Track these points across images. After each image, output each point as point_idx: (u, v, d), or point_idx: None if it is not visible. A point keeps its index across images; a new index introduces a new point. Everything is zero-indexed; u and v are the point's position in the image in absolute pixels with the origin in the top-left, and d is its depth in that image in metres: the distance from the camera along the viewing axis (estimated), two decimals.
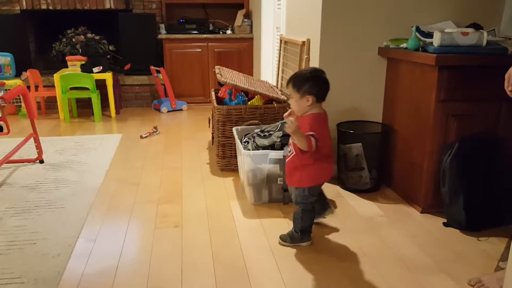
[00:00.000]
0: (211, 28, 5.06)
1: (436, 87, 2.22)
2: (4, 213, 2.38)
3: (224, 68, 3.36)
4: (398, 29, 2.69)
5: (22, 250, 2.02)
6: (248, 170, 2.42)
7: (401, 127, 2.60)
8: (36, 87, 4.58)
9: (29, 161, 3.17)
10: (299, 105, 1.89)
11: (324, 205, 2.24)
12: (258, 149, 2.49)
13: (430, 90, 2.26)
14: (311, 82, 1.86)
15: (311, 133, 1.83)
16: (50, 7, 4.93)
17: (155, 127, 4.01)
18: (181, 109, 4.86)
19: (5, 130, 2.84)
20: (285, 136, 2.43)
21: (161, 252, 2.01)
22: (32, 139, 3.11)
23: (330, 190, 2.71)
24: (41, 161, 3.16)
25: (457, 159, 2.17)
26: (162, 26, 4.94)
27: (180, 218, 2.34)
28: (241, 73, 3.52)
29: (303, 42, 2.90)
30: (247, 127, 2.81)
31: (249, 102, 3.02)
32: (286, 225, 2.27)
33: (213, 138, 3.48)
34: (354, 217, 2.37)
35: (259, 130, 2.64)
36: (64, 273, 1.85)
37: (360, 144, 2.57)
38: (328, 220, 2.32)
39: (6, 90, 2.87)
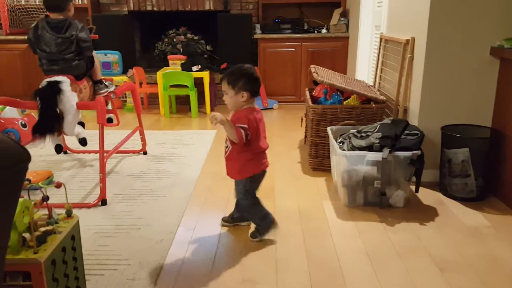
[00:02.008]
0: (305, 27, 5.04)
1: None
2: (113, 198, 2.58)
3: (319, 67, 3.33)
4: None
5: (128, 234, 2.17)
6: (343, 171, 2.37)
7: None
8: (140, 84, 4.92)
9: (134, 152, 3.41)
10: (234, 101, 2.00)
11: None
12: (354, 150, 2.43)
13: None
14: (245, 79, 1.97)
15: (242, 125, 1.92)
16: (155, 8, 5.26)
17: None
18: (272, 108, 4.91)
19: (115, 121, 3.08)
20: (384, 138, 2.34)
21: (255, 246, 2.05)
22: (137, 132, 3.34)
23: (431, 196, 2.57)
24: (145, 153, 3.39)
25: None
26: (258, 26, 5.03)
27: (273, 214, 2.36)
28: (336, 72, 3.46)
29: (407, 41, 2.77)
30: (342, 127, 2.75)
31: (344, 102, 2.96)
32: (382, 230, 2.19)
33: (305, 137, 3.46)
34: (458, 226, 2.22)
35: (355, 130, 2.57)
36: (166, 258, 1.96)
37: (467, 149, 2.39)
38: (429, 228, 2.20)
39: (115, 86, 3.11)
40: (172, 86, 4.64)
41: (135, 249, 2.04)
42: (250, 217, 2.16)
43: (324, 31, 4.95)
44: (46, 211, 1.54)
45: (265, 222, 2.11)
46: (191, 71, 4.58)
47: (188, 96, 4.70)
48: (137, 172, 3.01)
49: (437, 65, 2.58)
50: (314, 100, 3.09)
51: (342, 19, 4.88)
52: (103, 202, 2.50)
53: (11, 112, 3.54)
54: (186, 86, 4.56)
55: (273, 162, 3.19)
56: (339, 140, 2.59)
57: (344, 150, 2.46)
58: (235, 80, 1.98)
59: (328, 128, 2.72)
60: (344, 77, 3.32)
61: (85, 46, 2.63)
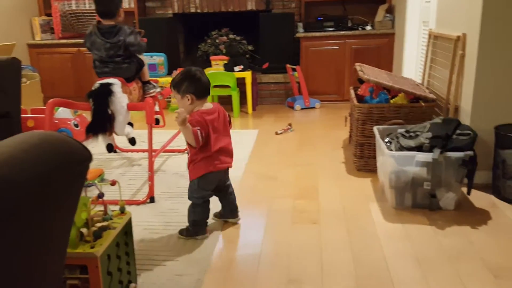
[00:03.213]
0: (349, 24, 4.97)
1: None
2: (160, 196, 2.65)
3: (365, 65, 3.27)
4: None
5: (176, 231, 2.22)
6: (391, 172, 2.32)
7: None
8: None
9: (178, 151, 3.48)
10: (182, 105, 2.04)
11: (233, 212, 2.30)
12: (402, 150, 2.37)
13: None
14: (187, 82, 1.99)
15: (197, 127, 1.95)
16: (198, 10, 5.34)
17: (290, 124, 4.09)
18: (314, 107, 4.87)
19: (161, 123, 3.16)
20: (435, 138, 2.27)
21: (300, 247, 2.04)
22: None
23: (483, 198, 2.47)
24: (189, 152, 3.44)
25: None
26: (300, 24, 5.00)
27: (317, 216, 2.35)
28: (382, 70, 3.39)
29: (458, 37, 2.67)
30: (389, 126, 2.69)
31: (391, 100, 2.90)
32: (432, 233, 2.12)
33: (350, 136, 3.42)
34: None
35: (403, 130, 2.51)
36: (213, 255, 2.00)
37: None
38: (481, 231, 2.12)
39: (162, 87, 3.18)
40: (215, 86, 4.69)
41: (182, 246, 2.08)
42: (188, 215, 2.17)
43: (368, 28, 4.86)
44: (99, 207, 1.60)
45: (197, 229, 2.14)
46: (233, 71, 4.63)
47: (229, 96, 4.75)
48: (182, 171, 3.07)
49: (491, 62, 2.47)
50: (360, 99, 3.04)
51: (388, 15, 4.77)
52: (151, 199, 2.57)
53: (64, 113, 3.70)
54: (228, 86, 4.61)
55: (316, 162, 3.18)
56: (386, 140, 2.54)
57: (391, 150, 2.41)
58: (178, 84, 2.02)
59: (375, 128, 2.67)
60: (390, 75, 3.24)
61: (133, 50, 2.71)
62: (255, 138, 3.81)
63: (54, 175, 0.88)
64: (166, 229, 2.25)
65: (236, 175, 2.95)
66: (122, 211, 1.65)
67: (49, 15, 5.42)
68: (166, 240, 2.14)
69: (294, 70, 4.79)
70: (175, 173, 3.04)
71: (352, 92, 3.20)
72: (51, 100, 2.63)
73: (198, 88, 2.02)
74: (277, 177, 2.91)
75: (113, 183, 1.64)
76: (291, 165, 3.14)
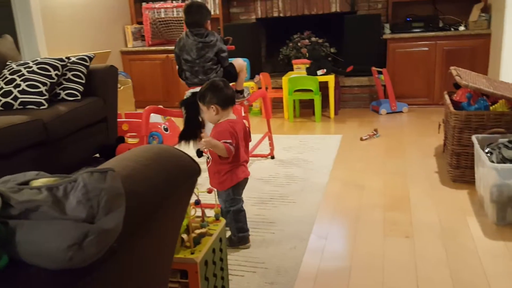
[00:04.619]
0: (440, 25, 4.70)
1: None
2: (246, 201, 2.67)
3: (461, 69, 3.07)
4: None
5: (264, 239, 2.24)
6: (493, 185, 2.15)
7: None
8: (266, 89, 5.06)
9: (262, 156, 3.52)
10: (208, 116, 2.08)
11: None
12: (504, 162, 2.20)
13: None
14: (210, 93, 2.02)
15: (226, 140, 1.97)
16: (281, 14, 5.37)
17: (376, 130, 3.96)
18: (401, 111, 4.67)
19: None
20: None
21: (394, 261, 1.96)
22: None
23: None
24: (272, 157, 3.47)
25: None
26: (387, 25, 4.83)
27: (410, 229, 2.24)
28: (480, 74, 3.16)
29: None
30: (490, 135, 2.50)
31: (491, 108, 2.69)
32: None
33: (444, 145, 3.23)
34: None
35: (506, 140, 2.32)
36: (301, 265, 1.98)
37: None
38: None
39: (248, 93, 3.23)
40: (296, 90, 4.68)
41: (271, 254, 2.09)
42: (230, 226, 2.12)
43: (462, 28, 4.57)
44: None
45: (240, 236, 2.14)
46: (316, 75, 4.58)
47: (310, 100, 4.71)
48: (266, 176, 3.10)
49: None
50: (456, 105, 2.86)
51: (483, 14, 4.44)
52: None
53: (155, 118, 3.91)
54: (310, 90, 4.58)
55: (406, 170, 3.05)
56: (487, 151, 2.36)
57: (492, 161, 2.23)
58: (202, 95, 2.05)
59: (473, 137, 2.49)
60: (489, 80, 3.01)
61: (223, 56, 2.79)
62: (339, 144, 3.74)
63: (171, 187, 0.92)
64: (253, 235, 2.27)
65: (320, 182, 2.92)
66: (217, 218, 1.70)
67: (140, 23, 5.75)
68: (254, 247, 2.17)
69: (380, 72, 4.64)
70: (260, 178, 3.08)
71: (447, 97, 3.02)
72: (148, 107, 2.79)
73: (222, 98, 2.04)
74: (364, 185, 2.83)
75: (209, 191, 1.69)
76: (379, 172, 3.04)
